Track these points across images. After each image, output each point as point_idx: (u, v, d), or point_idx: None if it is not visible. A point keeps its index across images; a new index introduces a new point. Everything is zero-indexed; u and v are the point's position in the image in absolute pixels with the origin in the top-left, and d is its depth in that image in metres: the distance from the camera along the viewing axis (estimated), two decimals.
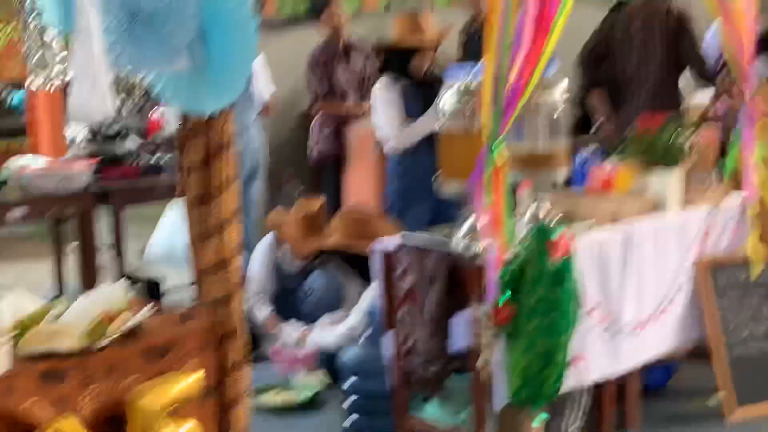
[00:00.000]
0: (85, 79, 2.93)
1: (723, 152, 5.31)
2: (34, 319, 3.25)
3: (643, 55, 6.87)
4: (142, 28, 3.10)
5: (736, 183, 5.06)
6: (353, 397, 4.77)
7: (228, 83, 3.27)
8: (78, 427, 2.99)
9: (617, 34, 7.07)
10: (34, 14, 2.90)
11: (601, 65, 7.09)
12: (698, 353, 5.03)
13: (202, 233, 3.41)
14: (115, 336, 3.17)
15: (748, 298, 5.00)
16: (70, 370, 3.06)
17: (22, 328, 3.21)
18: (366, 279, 5.54)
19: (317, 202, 6.12)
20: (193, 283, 6.20)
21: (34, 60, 2.91)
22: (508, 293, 4.03)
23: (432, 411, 4.51)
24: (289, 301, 6.01)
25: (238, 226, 3.46)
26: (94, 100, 2.95)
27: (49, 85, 3.01)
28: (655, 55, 6.84)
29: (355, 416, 4.76)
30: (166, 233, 8.02)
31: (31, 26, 2.87)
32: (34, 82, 2.96)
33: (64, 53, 2.95)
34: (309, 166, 7.72)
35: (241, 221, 3.55)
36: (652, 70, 6.90)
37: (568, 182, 4.90)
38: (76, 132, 8.65)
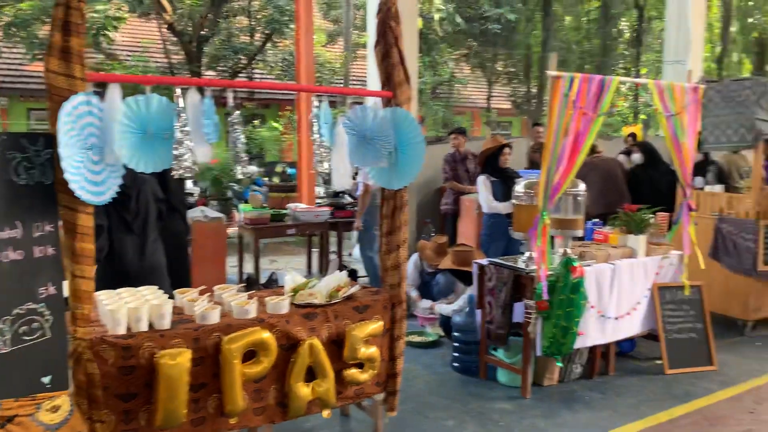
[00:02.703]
0: (338, 168, 3.13)
1: (669, 226, 5.22)
2: (301, 287, 3.42)
3: None
4: (367, 145, 3.25)
5: (677, 244, 4.96)
6: (457, 343, 4.79)
7: (408, 174, 3.36)
8: (320, 344, 3.16)
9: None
10: (316, 135, 3.05)
11: None
12: (651, 335, 4.94)
13: (389, 250, 3.52)
14: (340, 299, 3.35)
15: (680, 306, 4.87)
16: (318, 314, 3.23)
17: (295, 291, 3.38)
18: (466, 282, 5.57)
19: (443, 238, 6.13)
20: (368, 276, 6.42)
21: (317, 157, 3.08)
22: (545, 294, 4.08)
23: (500, 354, 4.54)
24: (425, 287, 6.08)
25: (406, 248, 3.58)
26: (344, 179, 3.14)
27: (316, 169, 3.18)
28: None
29: (457, 353, 4.79)
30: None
31: (316, 140, 3.03)
32: (317, 167, 3.13)
33: (327, 155, 3.10)
34: (440, 217, 7.77)
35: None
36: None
37: (582, 237, 4.90)
38: (318, 191, 9.00)
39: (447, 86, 17.39)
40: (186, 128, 2.67)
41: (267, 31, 15.41)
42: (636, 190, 6.82)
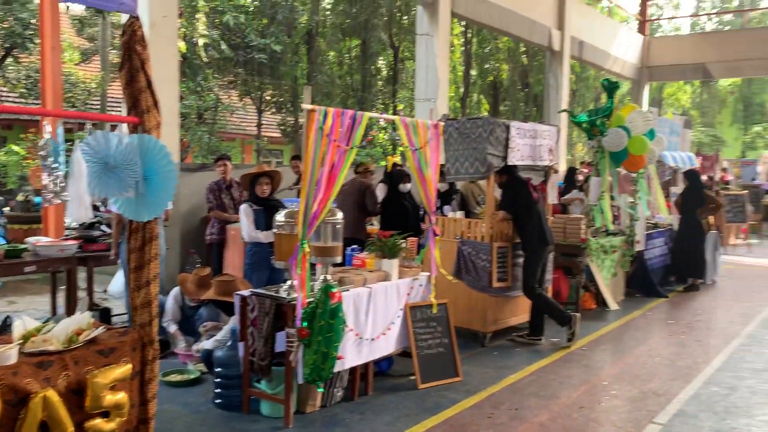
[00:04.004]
0: (76, 199, 2.87)
1: (418, 250, 5.61)
2: (33, 333, 3.07)
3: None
4: (109, 173, 3.03)
5: (426, 266, 5.33)
6: (219, 378, 4.61)
7: (157, 204, 3.19)
8: (56, 395, 2.84)
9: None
10: (51, 161, 2.77)
11: None
12: (405, 353, 5.21)
13: (138, 287, 3.29)
14: (81, 343, 3.06)
15: (429, 324, 5.22)
16: (54, 362, 2.91)
17: (25, 337, 3.03)
18: (229, 313, 5.41)
19: (205, 270, 5.87)
20: (127, 313, 5.95)
21: (49, 185, 2.79)
22: (306, 322, 4.11)
23: (263, 386, 4.47)
24: (188, 323, 5.79)
25: (157, 283, 3.37)
26: (82, 210, 2.88)
27: (56, 200, 2.87)
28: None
29: (220, 389, 4.61)
30: (118, 283, 7.59)
31: (50, 165, 2.75)
32: (49, 199, 2.83)
33: (64, 184, 2.83)
34: (205, 247, 7.51)
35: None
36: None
37: (343, 263, 5.04)
38: (69, 223, 8.10)
39: (213, 112, 17.01)
40: None
41: (7, 45, 13.77)
42: (405, 215, 7.27)
